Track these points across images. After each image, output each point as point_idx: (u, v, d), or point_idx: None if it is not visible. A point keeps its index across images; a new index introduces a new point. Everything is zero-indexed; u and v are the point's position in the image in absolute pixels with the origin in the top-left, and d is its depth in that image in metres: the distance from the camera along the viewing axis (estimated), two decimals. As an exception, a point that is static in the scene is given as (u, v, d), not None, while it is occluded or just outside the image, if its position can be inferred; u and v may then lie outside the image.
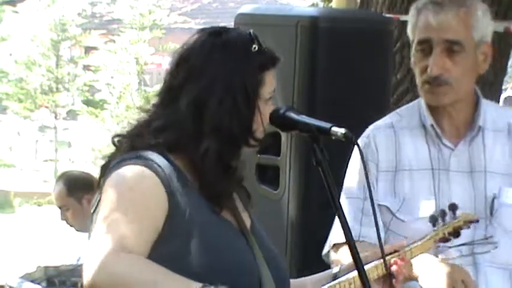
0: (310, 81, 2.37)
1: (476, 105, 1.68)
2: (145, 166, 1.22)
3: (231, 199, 1.35)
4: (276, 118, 1.28)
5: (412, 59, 1.67)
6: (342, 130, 1.20)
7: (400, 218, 1.58)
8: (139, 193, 1.22)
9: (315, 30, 2.46)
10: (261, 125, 1.31)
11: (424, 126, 1.68)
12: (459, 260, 1.51)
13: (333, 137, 1.22)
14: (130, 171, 1.24)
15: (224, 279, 1.19)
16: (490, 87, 3.60)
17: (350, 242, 1.22)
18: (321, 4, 6.93)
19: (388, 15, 3.41)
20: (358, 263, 1.21)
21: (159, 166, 1.24)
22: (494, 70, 3.53)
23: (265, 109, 1.31)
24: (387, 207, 1.63)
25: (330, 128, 1.20)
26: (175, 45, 17.23)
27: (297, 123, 1.27)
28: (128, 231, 1.18)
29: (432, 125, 1.65)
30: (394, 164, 1.65)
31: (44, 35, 16.63)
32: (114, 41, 16.80)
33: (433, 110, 1.67)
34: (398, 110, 1.80)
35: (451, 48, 1.59)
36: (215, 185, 1.29)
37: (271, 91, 1.34)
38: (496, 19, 3.47)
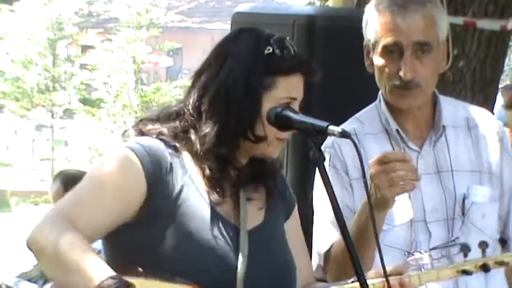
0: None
1: (435, 104, 1.66)
2: (131, 150, 1.26)
3: (236, 192, 1.37)
4: (273, 117, 1.28)
5: (375, 63, 1.61)
6: (339, 129, 1.20)
7: None
8: (114, 174, 1.25)
9: (311, 29, 2.47)
10: (270, 131, 1.32)
11: (386, 131, 1.65)
12: (436, 263, 1.47)
13: (330, 136, 1.22)
14: (115, 153, 1.30)
15: (190, 274, 1.23)
16: (488, 86, 3.61)
17: (347, 241, 1.21)
18: (318, 3, 6.93)
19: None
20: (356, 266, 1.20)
21: (148, 152, 1.27)
22: (492, 68, 3.53)
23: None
24: None
25: (327, 126, 1.20)
26: (172, 44, 17.28)
27: (294, 122, 1.27)
28: (87, 207, 1.22)
29: (397, 130, 1.62)
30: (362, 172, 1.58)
31: (40, 33, 16.57)
32: (110, 40, 16.77)
33: (395, 112, 1.64)
34: (357, 115, 1.74)
35: (421, 49, 1.56)
36: (211, 171, 1.32)
37: (286, 97, 1.34)
38: (492, 17, 3.48)
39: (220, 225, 1.34)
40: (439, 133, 1.62)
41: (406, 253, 1.52)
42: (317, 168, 1.22)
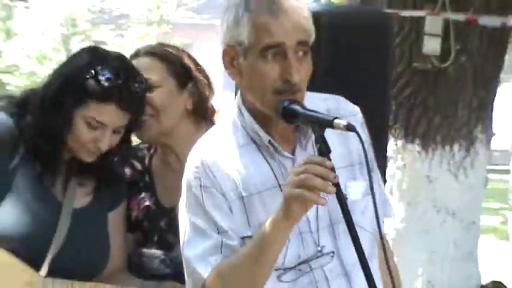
0: (312, 75, 2.38)
1: None
2: None
3: (68, 177, 1.62)
4: (281, 109, 1.31)
5: (252, 67, 1.42)
6: (344, 122, 1.20)
7: None
8: None
9: (317, 25, 2.47)
10: (77, 140, 1.54)
11: (254, 142, 1.48)
12: (304, 276, 1.39)
13: (335, 129, 1.22)
14: None
15: (9, 240, 1.51)
16: (489, 82, 3.68)
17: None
18: (323, 0, 6.99)
19: (388, 10, 3.53)
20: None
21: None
22: (493, 65, 3.63)
23: (84, 130, 1.53)
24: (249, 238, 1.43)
25: (333, 119, 1.21)
26: (182, 40, 17.35)
27: (300, 115, 1.30)
28: None
29: (270, 141, 1.44)
30: (239, 191, 1.43)
31: (54, 29, 16.74)
32: (122, 36, 16.90)
33: (261, 122, 1.46)
34: (213, 131, 1.56)
35: (302, 50, 1.41)
36: (38, 157, 1.57)
37: (95, 120, 1.52)
38: (493, 14, 3.56)
39: (48, 201, 1.60)
40: (307, 134, 1.46)
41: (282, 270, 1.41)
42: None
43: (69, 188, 1.64)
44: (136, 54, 1.81)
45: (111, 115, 1.54)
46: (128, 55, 1.74)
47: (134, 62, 1.68)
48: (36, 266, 1.56)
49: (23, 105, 1.63)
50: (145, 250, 1.84)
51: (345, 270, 1.45)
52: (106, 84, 1.50)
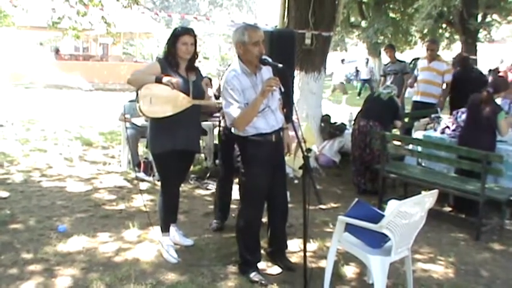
0: (268, 52, 4.07)
1: None
2: (157, 61, 4.08)
3: (187, 72, 4.06)
4: (260, 60, 3.46)
5: (251, 49, 3.45)
6: (280, 65, 3.26)
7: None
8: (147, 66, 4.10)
9: (271, 36, 4.98)
10: (180, 54, 3.92)
11: (244, 72, 3.49)
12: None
13: (277, 68, 3.35)
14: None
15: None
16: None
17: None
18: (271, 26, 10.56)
19: (294, 30, 6.67)
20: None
21: (161, 61, 4.07)
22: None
23: (181, 48, 3.89)
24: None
25: (278, 64, 3.30)
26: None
27: (266, 61, 3.43)
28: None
29: (249, 71, 3.52)
30: (241, 88, 3.48)
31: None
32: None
33: (246, 64, 3.53)
34: (233, 65, 3.58)
35: (263, 43, 3.49)
36: (169, 64, 4.01)
37: (185, 44, 3.89)
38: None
39: (184, 78, 3.88)
40: (261, 69, 3.60)
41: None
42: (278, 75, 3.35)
43: (189, 73, 3.89)
44: None
45: (189, 40, 3.77)
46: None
47: None
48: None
49: (168, 55, 3.89)
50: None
51: (273, 111, 3.61)
52: (182, 30, 3.85)
